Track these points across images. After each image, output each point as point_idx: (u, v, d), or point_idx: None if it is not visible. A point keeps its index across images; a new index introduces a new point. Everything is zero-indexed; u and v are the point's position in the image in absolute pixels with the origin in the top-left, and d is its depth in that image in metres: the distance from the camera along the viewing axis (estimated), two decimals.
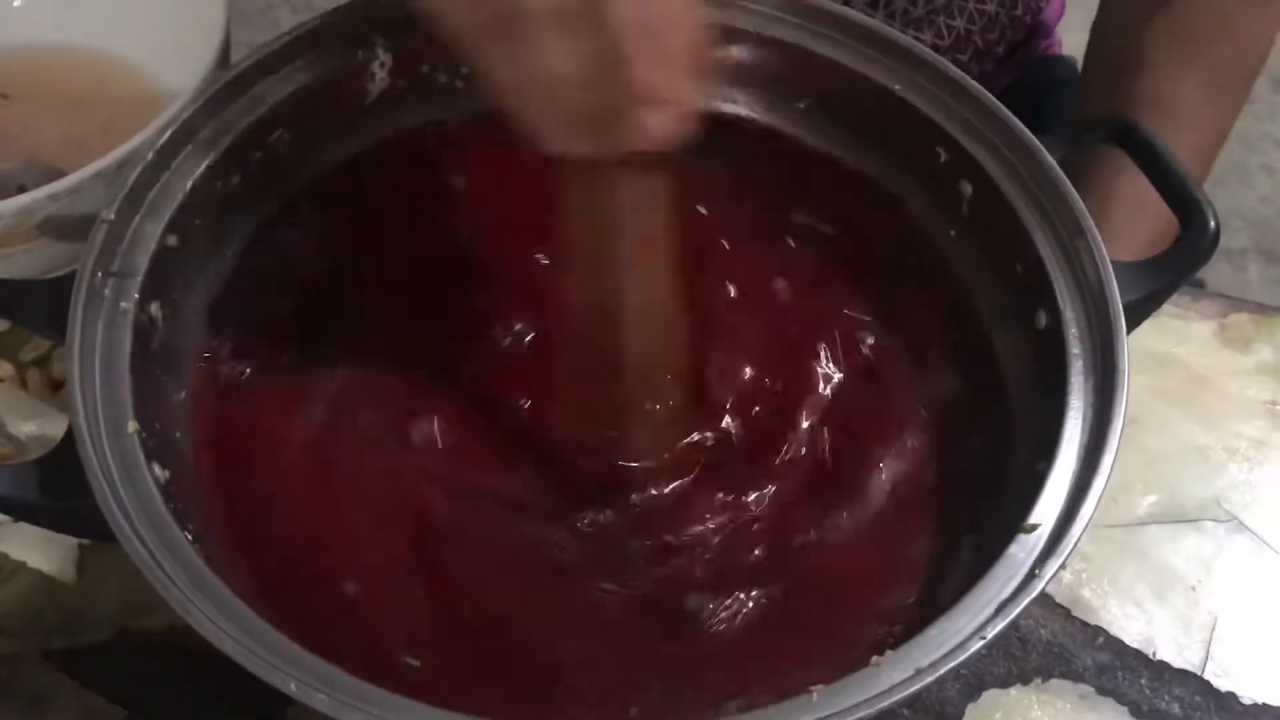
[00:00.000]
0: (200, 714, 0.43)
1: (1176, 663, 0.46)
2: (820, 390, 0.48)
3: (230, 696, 0.43)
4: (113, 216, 0.43)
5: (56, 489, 0.38)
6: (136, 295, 0.42)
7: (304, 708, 0.42)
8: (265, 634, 0.34)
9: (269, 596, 0.39)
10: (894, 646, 0.35)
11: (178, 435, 0.43)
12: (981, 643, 0.34)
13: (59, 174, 0.54)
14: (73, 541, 0.46)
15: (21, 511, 0.39)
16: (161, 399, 0.42)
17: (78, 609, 0.45)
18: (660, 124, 0.34)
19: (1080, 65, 0.68)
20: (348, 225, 0.50)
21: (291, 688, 0.33)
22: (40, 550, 0.46)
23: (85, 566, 0.46)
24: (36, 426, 0.48)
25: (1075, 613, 0.46)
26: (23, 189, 0.54)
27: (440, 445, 0.45)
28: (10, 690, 0.43)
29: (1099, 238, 0.44)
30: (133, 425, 0.39)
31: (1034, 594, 0.35)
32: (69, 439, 0.38)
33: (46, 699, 0.43)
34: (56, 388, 0.50)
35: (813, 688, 0.34)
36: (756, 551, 0.42)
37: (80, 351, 0.39)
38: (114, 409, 0.39)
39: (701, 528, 0.43)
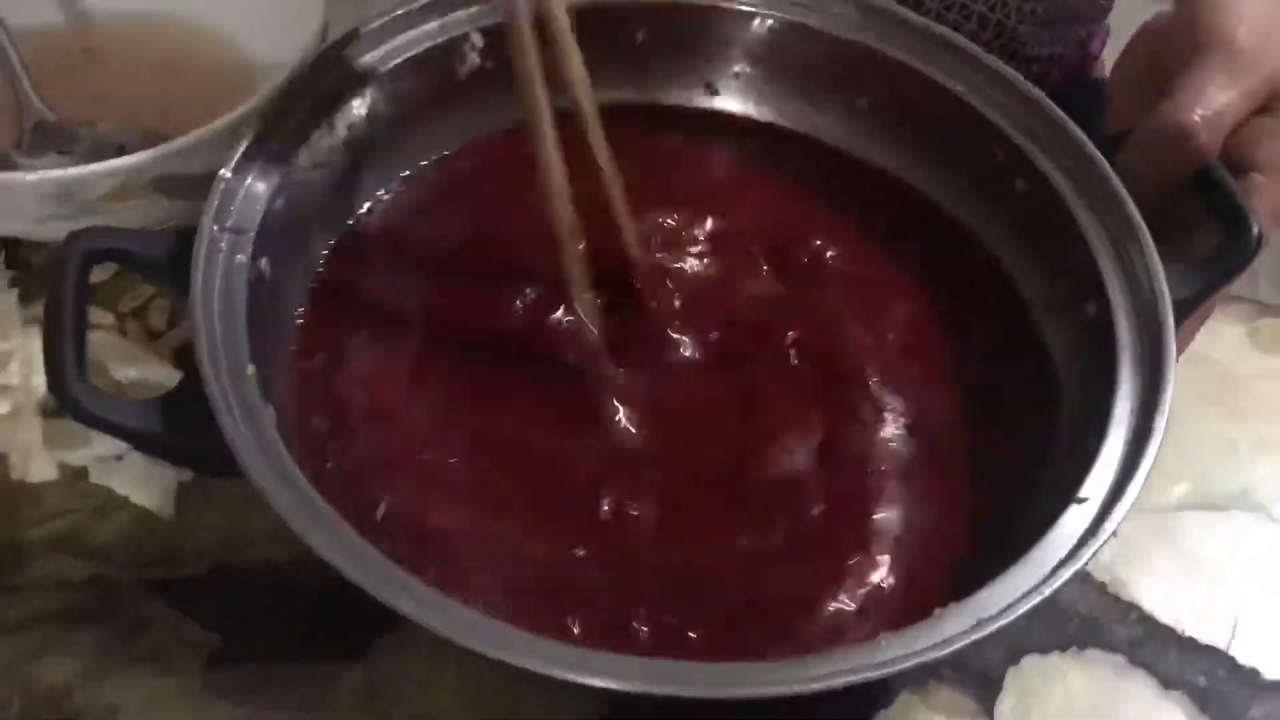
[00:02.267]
0: (291, 644, 0.45)
1: (1203, 639, 0.48)
2: (868, 366, 0.51)
3: (318, 629, 0.46)
4: (230, 175, 0.46)
5: (179, 425, 0.41)
6: (251, 250, 0.45)
7: (390, 640, 0.46)
8: (379, 562, 0.37)
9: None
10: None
11: (279, 384, 0.45)
12: (1039, 599, 0.37)
13: (156, 136, 0.56)
14: (172, 480, 0.49)
15: (145, 443, 0.41)
16: (267, 347, 0.45)
17: (176, 543, 0.48)
18: None
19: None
20: (439, 199, 0.53)
21: (408, 608, 0.35)
22: (142, 487, 0.48)
23: (183, 503, 0.48)
24: (137, 372, 0.51)
25: (1111, 589, 0.49)
26: (122, 149, 0.57)
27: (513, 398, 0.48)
28: (112, 614, 0.46)
29: (1148, 234, 0.47)
30: (251, 368, 0.41)
31: (1085, 560, 0.38)
32: (190, 379, 0.41)
33: (146, 624, 0.46)
34: (154, 336, 0.53)
35: (881, 634, 0.37)
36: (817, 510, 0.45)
37: (202, 299, 0.42)
38: (234, 353, 0.42)
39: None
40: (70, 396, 0.40)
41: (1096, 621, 0.48)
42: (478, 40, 0.53)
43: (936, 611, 0.38)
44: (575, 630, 0.41)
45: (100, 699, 0.44)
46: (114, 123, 0.57)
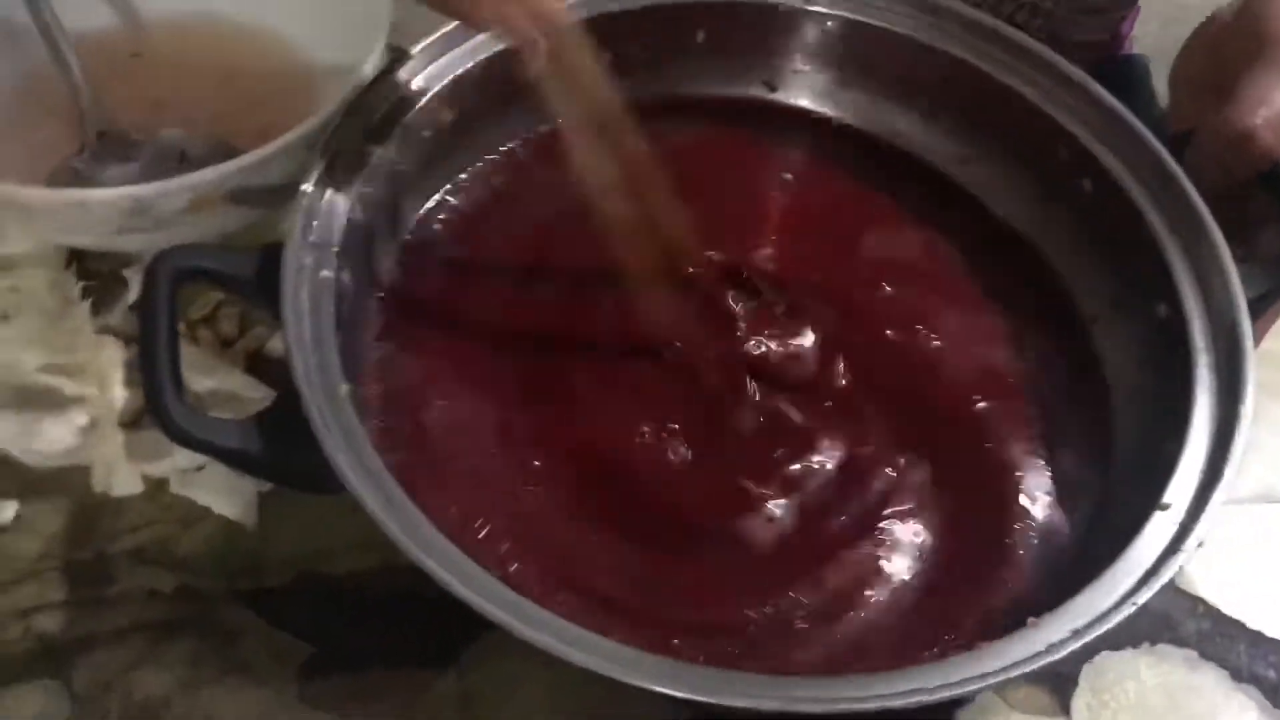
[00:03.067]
0: (381, 651, 0.46)
1: (1269, 632, 0.49)
2: (928, 362, 0.51)
3: (407, 637, 0.46)
4: (311, 188, 0.46)
5: (277, 445, 0.41)
6: (335, 263, 0.45)
7: (480, 647, 0.46)
8: (480, 577, 0.38)
9: None
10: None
11: (363, 393, 0.46)
12: (1133, 608, 0.38)
13: (217, 141, 0.57)
14: (252, 490, 0.49)
15: (243, 463, 0.42)
16: (354, 360, 0.45)
17: (258, 552, 0.48)
18: None
19: (1150, 62, 0.71)
20: (509, 204, 0.53)
21: (517, 627, 0.36)
22: (223, 497, 0.49)
23: (264, 514, 0.49)
24: (213, 382, 0.51)
25: (1180, 584, 0.50)
26: (184, 155, 0.57)
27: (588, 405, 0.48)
28: (203, 625, 0.46)
29: (1219, 233, 0.48)
30: (345, 386, 0.42)
31: (1177, 566, 0.39)
32: (285, 397, 0.41)
33: (238, 634, 0.46)
34: (226, 345, 0.53)
35: (977, 643, 0.38)
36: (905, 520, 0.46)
37: (293, 317, 0.43)
38: (327, 372, 0.42)
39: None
40: (171, 421, 0.40)
41: (1167, 616, 0.49)
42: (544, 44, 0.53)
43: (1031, 621, 0.38)
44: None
45: (198, 710, 0.45)
46: (171, 126, 0.57)
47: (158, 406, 0.40)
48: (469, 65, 0.52)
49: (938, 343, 0.52)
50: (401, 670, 0.46)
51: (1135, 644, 0.48)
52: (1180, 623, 0.49)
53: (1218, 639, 0.49)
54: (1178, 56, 0.55)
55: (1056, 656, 0.37)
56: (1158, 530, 0.41)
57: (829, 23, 0.56)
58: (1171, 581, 0.50)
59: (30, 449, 0.50)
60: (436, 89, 0.51)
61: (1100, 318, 0.51)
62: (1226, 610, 0.50)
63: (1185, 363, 0.46)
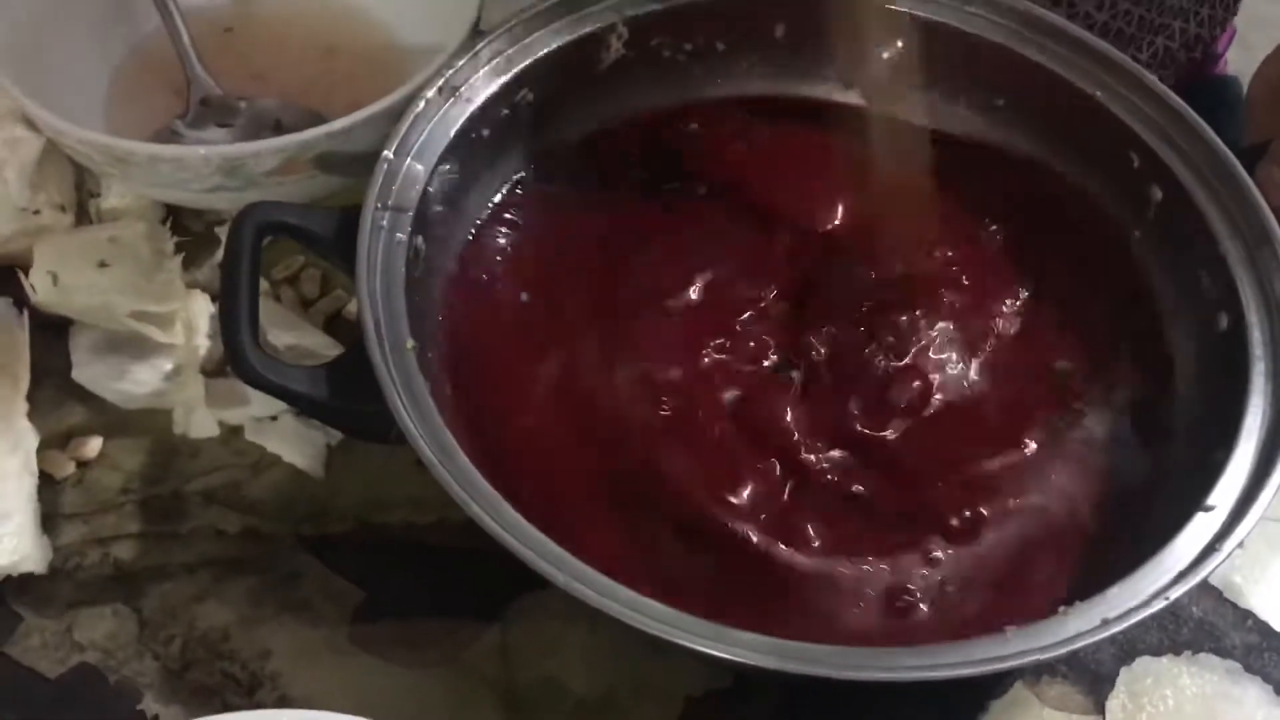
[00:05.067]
0: (430, 601, 0.48)
1: None
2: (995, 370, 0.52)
3: (456, 589, 0.48)
4: (391, 156, 0.48)
5: (344, 392, 0.43)
6: (409, 228, 0.47)
7: (523, 604, 0.48)
8: (529, 531, 0.39)
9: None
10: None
11: (429, 354, 0.48)
12: (1164, 603, 0.38)
13: (313, 114, 0.59)
14: (321, 442, 0.52)
15: (310, 407, 0.44)
16: (421, 320, 0.47)
17: (324, 501, 0.50)
18: None
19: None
20: (582, 186, 0.55)
21: (560, 579, 0.37)
22: (294, 447, 0.51)
23: (331, 465, 0.51)
24: (293, 338, 0.53)
25: (1227, 595, 0.49)
26: (278, 123, 0.60)
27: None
28: (269, 565, 0.49)
29: None
30: (411, 342, 0.44)
31: (1213, 566, 0.39)
32: (354, 350, 0.44)
33: (298, 576, 0.49)
34: (307, 304, 0.56)
35: (1006, 627, 0.39)
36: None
37: (366, 275, 0.45)
38: (394, 327, 0.44)
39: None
40: (245, 361, 0.43)
41: (1212, 626, 0.49)
42: (624, 31, 0.55)
43: (1061, 610, 0.39)
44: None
45: (254, 644, 0.47)
46: (274, 101, 0.60)
47: (233, 343, 0.43)
48: (550, 48, 0.54)
49: (998, 343, 0.52)
50: (447, 620, 0.47)
51: (1177, 651, 0.48)
52: (1225, 634, 0.49)
53: (1264, 654, 0.48)
54: (1258, 69, 0.55)
55: (1084, 644, 0.38)
56: (1198, 530, 0.41)
57: (906, 19, 0.56)
58: (1219, 591, 0.50)
59: (118, 389, 0.52)
60: (517, 70, 0.53)
61: (1162, 320, 0.51)
62: (1276, 626, 0.49)
63: (1242, 370, 0.46)
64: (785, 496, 0.46)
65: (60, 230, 0.56)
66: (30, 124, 0.56)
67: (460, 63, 0.52)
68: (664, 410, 0.47)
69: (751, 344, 0.50)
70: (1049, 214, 0.56)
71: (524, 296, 0.51)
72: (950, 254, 0.53)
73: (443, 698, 0.46)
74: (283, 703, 0.45)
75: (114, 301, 0.52)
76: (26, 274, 0.53)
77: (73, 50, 0.59)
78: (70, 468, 0.51)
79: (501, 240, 0.53)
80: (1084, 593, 0.40)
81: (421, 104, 0.50)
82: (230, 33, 0.64)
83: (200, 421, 0.52)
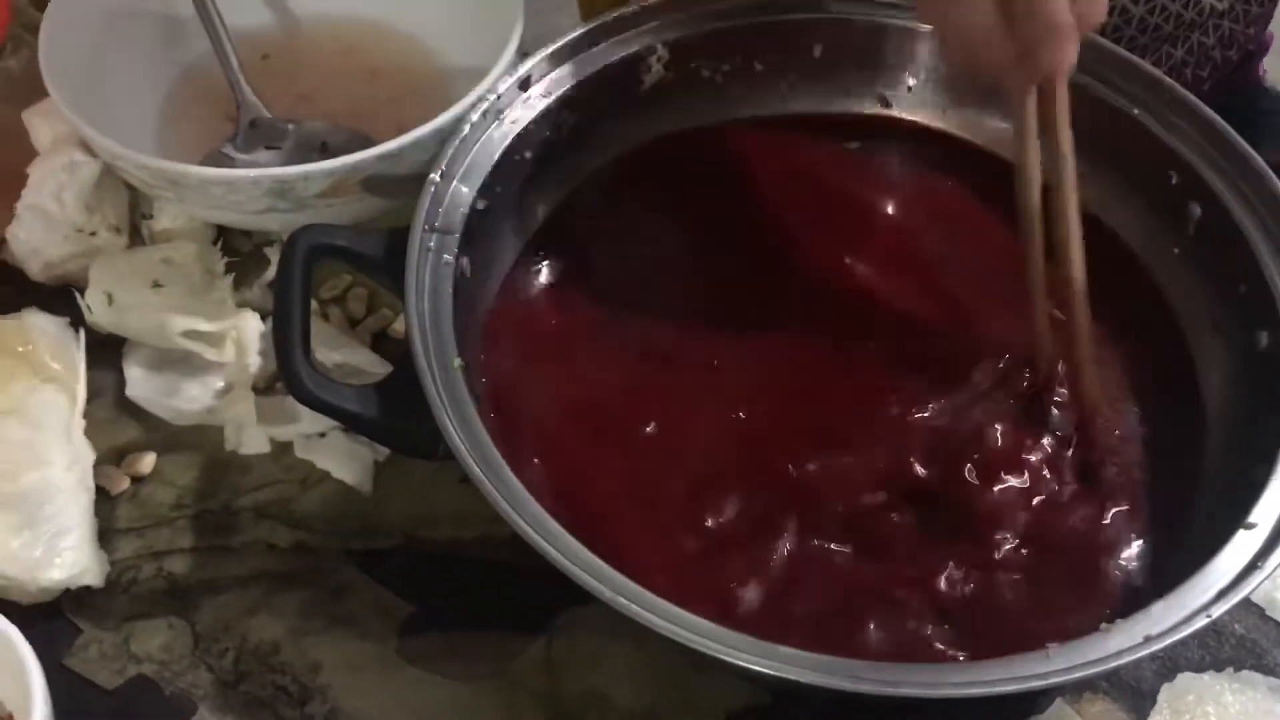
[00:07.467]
0: (476, 615, 0.49)
1: None
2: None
3: (501, 604, 0.49)
4: (439, 179, 0.49)
5: (393, 411, 0.44)
6: (456, 250, 0.48)
7: (567, 618, 0.49)
8: (574, 546, 0.40)
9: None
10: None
11: (475, 372, 0.49)
12: (1207, 620, 0.38)
13: (359, 136, 0.61)
14: (369, 458, 0.53)
15: (360, 425, 0.45)
16: (466, 339, 0.48)
17: (371, 516, 0.52)
18: (1069, 53, 0.42)
19: None
20: (625, 207, 0.56)
21: (605, 594, 0.38)
22: (342, 463, 0.52)
23: (379, 480, 0.52)
24: (341, 356, 0.55)
25: (1269, 613, 0.49)
26: (325, 145, 0.61)
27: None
28: (318, 579, 0.50)
29: None
30: (457, 361, 0.45)
31: (1256, 584, 0.39)
32: (402, 369, 0.45)
33: (346, 589, 0.50)
34: (354, 323, 0.57)
35: (1049, 644, 0.39)
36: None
37: (415, 295, 0.46)
38: (441, 346, 0.45)
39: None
40: (300, 381, 0.44)
41: (1254, 643, 0.49)
42: (663, 53, 0.56)
43: (1104, 626, 0.39)
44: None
45: (305, 657, 0.48)
46: (321, 123, 0.61)
47: (287, 364, 0.44)
48: (591, 70, 0.55)
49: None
50: (493, 634, 0.48)
51: (1218, 668, 0.48)
52: (1268, 650, 0.49)
53: None
54: None
55: (1126, 661, 0.38)
56: (1240, 548, 0.41)
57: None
58: (1261, 609, 0.50)
59: (170, 406, 0.54)
60: (559, 93, 0.54)
61: (1200, 338, 0.51)
62: None
63: None
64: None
65: (115, 251, 0.57)
66: (87, 149, 0.57)
67: (504, 86, 0.53)
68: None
69: None
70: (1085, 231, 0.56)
71: (567, 319, 0.52)
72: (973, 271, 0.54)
73: (490, 710, 0.46)
74: (333, 715, 0.46)
75: (167, 321, 0.54)
76: (83, 294, 0.55)
77: (126, 77, 0.61)
78: (125, 483, 0.52)
79: (545, 262, 0.54)
80: (1126, 610, 0.41)
81: (466, 128, 0.51)
82: (268, 59, 0.65)
83: (251, 438, 0.53)
